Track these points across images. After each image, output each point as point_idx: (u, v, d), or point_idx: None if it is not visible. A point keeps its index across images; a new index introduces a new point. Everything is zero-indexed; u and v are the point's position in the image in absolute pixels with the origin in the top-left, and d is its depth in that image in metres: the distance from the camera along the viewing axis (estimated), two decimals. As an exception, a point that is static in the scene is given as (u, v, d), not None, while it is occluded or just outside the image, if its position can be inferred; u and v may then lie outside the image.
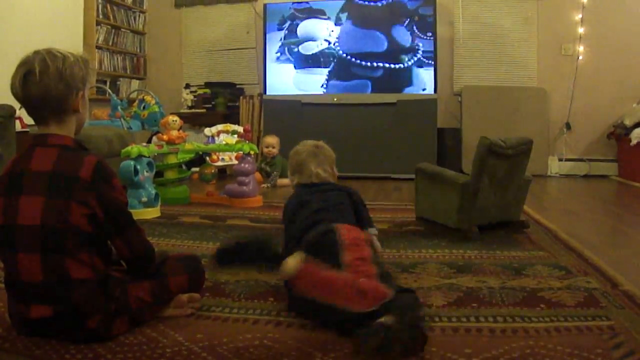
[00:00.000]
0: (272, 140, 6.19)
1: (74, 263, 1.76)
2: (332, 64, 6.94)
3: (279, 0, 7.23)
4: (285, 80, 7.06)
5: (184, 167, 5.16)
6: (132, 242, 1.92)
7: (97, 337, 1.81)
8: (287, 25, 7.05)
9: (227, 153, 5.96)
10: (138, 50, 8.09)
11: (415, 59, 6.76)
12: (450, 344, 1.84)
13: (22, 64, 1.81)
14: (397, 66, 6.82)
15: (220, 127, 6.38)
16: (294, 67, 7.05)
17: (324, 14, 6.97)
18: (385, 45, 6.83)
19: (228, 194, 4.76)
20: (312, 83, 7.00)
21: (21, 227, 1.76)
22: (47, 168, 1.79)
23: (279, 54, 7.09)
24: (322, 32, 6.96)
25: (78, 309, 1.76)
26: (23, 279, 1.76)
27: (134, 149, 4.24)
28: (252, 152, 4.75)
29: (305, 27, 7.00)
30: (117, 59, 7.57)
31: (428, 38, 6.75)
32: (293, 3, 7.06)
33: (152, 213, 4.17)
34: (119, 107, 6.35)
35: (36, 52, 1.83)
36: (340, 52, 6.89)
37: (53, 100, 1.82)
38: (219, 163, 5.95)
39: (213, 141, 6.14)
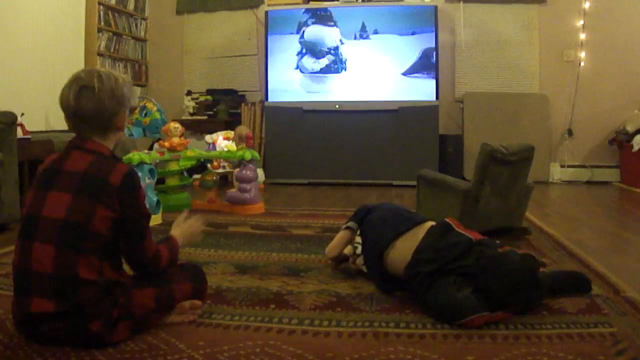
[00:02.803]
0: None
1: (85, 263, 1.80)
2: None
3: (281, 7, 7.24)
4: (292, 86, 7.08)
5: (185, 174, 5.16)
6: (135, 257, 1.99)
7: (98, 341, 1.81)
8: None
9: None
10: (140, 57, 8.10)
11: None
12: (452, 351, 1.84)
13: (76, 79, 1.91)
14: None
15: (221, 134, 6.38)
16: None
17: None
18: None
19: (230, 200, 4.76)
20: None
21: (44, 219, 1.82)
22: (80, 169, 1.88)
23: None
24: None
25: (81, 309, 1.77)
26: (33, 268, 1.79)
27: (135, 155, 4.24)
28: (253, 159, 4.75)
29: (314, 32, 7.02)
30: (119, 65, 7.57)
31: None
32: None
33: (154, 220, 4.17)
34: (120, 114, 6.35)
35: (89, 71, 1.93)
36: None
37: (104, 116, 1.92)
38: (220, 170, 5.95)
39: (214, 148, 6.14)
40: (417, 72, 6.82)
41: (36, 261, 1.79)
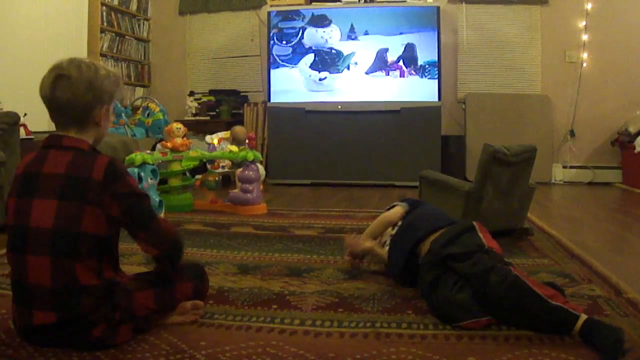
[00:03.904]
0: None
1: (83, 269, 1.77)
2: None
3: (283, 8, 7.24)
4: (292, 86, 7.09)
5: (187, 174, 5.17)
6: (156, 235, 1.92)
7: (101, 345, 1.80)
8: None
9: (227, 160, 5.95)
10: (142, 57, 8.11)
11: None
12: (453, 352, 1.84)
13: (55, 67, 1.83)
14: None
15: (221, 134, 6.38)
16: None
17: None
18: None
19: (232, 201, 4.76)
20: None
21: (33, 230, 1.76)
22: (60, 170, 1.80)
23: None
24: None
25: (84, 317, 1.76)
26: (31, 282, 1.76)
27: (138, 156, 4.24)
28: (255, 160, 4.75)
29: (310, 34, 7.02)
30: (122, 66, 7.58)
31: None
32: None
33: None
34: (123, 115, 6.37)
35: (71, 60, 1.85)
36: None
37: (78, 108, 1.84)
38: (219, 170, 5.96)
39: (214, 148, 6.14)
40: (377, 70, 6.89)
41: (33, 275, 1.76)
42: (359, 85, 6.91)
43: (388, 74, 6.88)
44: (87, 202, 1.78)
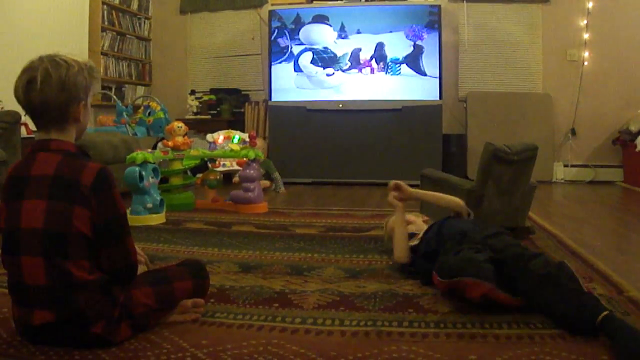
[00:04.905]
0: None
1: (76, 266, 1.77)
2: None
3: (285, 7, 7.24)
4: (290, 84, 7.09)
5: (189, 173, 5.17)
6: (120, 253, 1.89)
7: (101, 342, 1.80)
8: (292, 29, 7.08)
9: (229, 159, 5.95)
10: (143, 56, 8.11)
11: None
12: (455, 350, 1.84)
13: (25, 70, 1.80)
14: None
15: (222, 133, 6.39)
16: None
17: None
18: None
19: (233, 200, 4.76)
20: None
21: (24, 231, 1.76)
22: (49, 172, 1.80)
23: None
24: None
25: (82, 314, 1.76)
26: (27, 283, 1.77)
27: (139, 155, 4.24)
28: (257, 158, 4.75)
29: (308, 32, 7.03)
30: (123, 65, 7.59)
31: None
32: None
33: (157, 219, 4.18)
34: (124, 113, 6.37)
35: (40, 60, 1.82)
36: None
37: (53, 110, 1.81)
38: (220, 168, 5.95)
39: (214, 147, 6.14)
40: (352, 68, 6.97)
41: (28, 275, 1.76)
42: (359, 84, 6.92)
43: (360, 71, 6.93)
44: (76, 203, 1.77)
